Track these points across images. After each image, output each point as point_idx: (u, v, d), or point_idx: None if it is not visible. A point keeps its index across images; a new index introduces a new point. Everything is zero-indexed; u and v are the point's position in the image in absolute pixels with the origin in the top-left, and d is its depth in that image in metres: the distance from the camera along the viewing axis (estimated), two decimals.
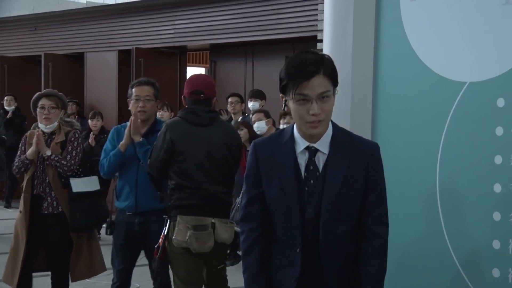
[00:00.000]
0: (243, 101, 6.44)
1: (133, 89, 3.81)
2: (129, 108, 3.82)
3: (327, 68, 2.13)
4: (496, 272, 2.52)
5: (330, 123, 2.22)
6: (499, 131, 2.54)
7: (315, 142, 2.18)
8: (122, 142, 3.58)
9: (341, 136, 2.25)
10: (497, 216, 2.54)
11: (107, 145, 3.80)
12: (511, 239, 2.49)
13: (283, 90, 2.12)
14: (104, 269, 3.98)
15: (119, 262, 3.79)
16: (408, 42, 2.87)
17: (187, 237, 3.29)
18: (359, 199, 2.19)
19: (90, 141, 6.78)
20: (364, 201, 2.19)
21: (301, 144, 2.19)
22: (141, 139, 3.61)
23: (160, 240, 3.37)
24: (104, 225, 4.12)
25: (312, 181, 2.19)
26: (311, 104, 2.07)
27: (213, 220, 3.38)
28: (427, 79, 2.82)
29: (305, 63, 2.10)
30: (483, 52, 2.65)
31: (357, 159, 2.20)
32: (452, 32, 2.80)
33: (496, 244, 2.52)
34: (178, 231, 3.32)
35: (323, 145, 2.20)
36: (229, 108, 6.40)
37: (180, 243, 3.32)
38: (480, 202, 2.64)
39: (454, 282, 2.71)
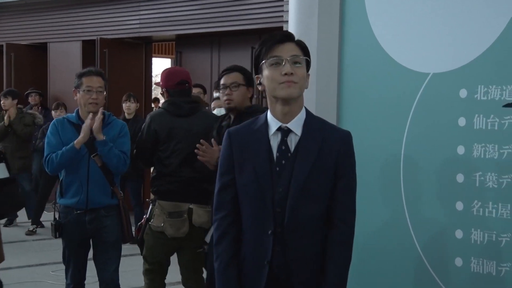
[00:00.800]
0: (205, 92, 6.37)
1: (83, 79, 3.56)
2: (75, 98, 3.60)
3: (300, 41, 2.20)
4: (458, 261, 2.56)
5: (304, 109, 2.24)
6: (462, 121, 2.57)
7: (287, 123, 2.18)
8: (79, 139, 3.37)
9: (314, 122, 2.27)
10: (459, 205, 2.57)
11: (51, 138, 3.53)
12: (474, 228, 2.53)
13: (256, 62, 2.16)
14: (3, 259, 3.72)
15: (74, 265, 3.64)
16: (372, 33, 2.89)
17: (162, 223, 3.45)
18: (328, 185, 2.19)
19: None
20: (332, 188, 2.18)
21: (273, 126, 2.20)
22: (103, 137, 3.49)
23: (142, 221, 3.56)
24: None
25: (283, 161, 2.20)
26: (283, 65, 2.10)
27: (190, 206, 3.49)
28: (392, 70, 2.85)
29: (278, 33, 2.23)
30: (446, 44, 2.69)
31: (329, 145, 2.20)
32: (416, 24, 2.82)
33: (459, 234, 2.56)
34: (155, 216, 3.47)
35: (296, 126, 2.20)
36: None
37: (156, 228, 3.47)
38: (443, 192, 2.67)
39: (417, 271, 2.74)
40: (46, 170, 3.60)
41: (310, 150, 2.19)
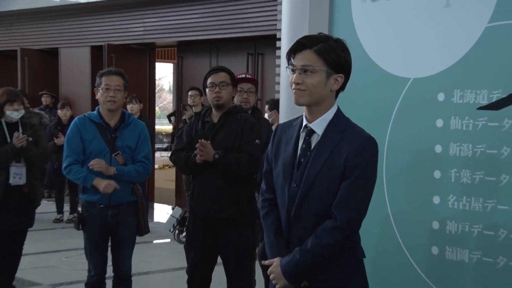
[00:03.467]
0: (202, 94, 6.45)
1: (103, 78, 3.49)
2: (97, 97, 3.50)
3: (322, 47, 2.08)
4: (435, 250, 2.60)
5: (333, 110, 2.18)
6: (439, 123, 2.59)
7: (312, 122, 2.15)
8: (97, 182, 3.25)
9: (339, 122, 2.19)
10: (436, 199, 2.61)
11: (71, 139, 3.42)
12: (449, 220, 2.57)
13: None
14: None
15: (96, 255, 3.55)
16: (358, 41, 2.89)
17: None
18: (334, 186, 2.11)
19: (56, 141, 6.64)
20: (338, 188, 2.10)
21: (303, 123, 2.18)
22: (115, 171, 3.37)
23: None
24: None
25: (302, 159, 2.16)
26: (294, 74, 2.07)
27: None
28: (376, 76, 2.86)
29: (297, 41, 2.11)
30: (426, 51, 2.69)
31: (343, 146, 2.11)
32: (398, 32, 2.84)
33: (436, 225, 2.60)
34: None
35: (318, 126, 2.15)
36: (189, 101, 6.32)
37: None
38: (422, 186, 2.70)
39: (397, 259, 2.80)
40: (66, 176, 3.54)
41: (324, 150, 2.13)
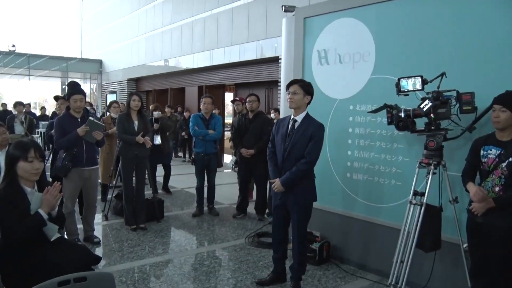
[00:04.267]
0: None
1: (202, 99, 6.24)
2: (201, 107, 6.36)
3: (303, 83, 3.52)
4: (348, 174, 4.31)
5: (306, 112, 3.51)
6: (351, 118, 4.29)
7: (296, 116, 3.51)
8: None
9: (307, 117, 3.52)
10: (349, 152, 4.30)
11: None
12: (354, 161, 4.24)
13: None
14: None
15: (200, 176, 6.12)
16: (315, 81, 4.57)
17: None
18: (305, 145, 3.44)
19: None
20: (307, 146, 3.43)
21: (291, 118, 3.54)
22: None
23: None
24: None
25: (291, 133, 3.53)
26: (288, 95, 3.50)
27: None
28: (323, 97, 4.52)
29: (293, 80, 3.60)
30: (344, 87, 4.33)
31: (309, 128, 3.45)
32: (332, 77, 4.43)
33: (349, 164, 4.30)
34: None
35: (299, 118, 3.51)
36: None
37: None
38: (343, 147, 4.37)
39: (332, 179, 4.40)
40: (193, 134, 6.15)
41: (299, 130, 3.47)
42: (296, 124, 3.55)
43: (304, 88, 3.54)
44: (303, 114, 3.55)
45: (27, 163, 2.66)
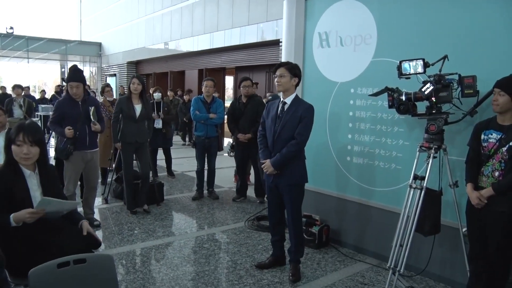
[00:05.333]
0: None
1: (204, 82, 6.20)
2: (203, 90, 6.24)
3: (289, 66, 3.53)
4: (349, 158, 4.33)
5: (295, 94, 3.52)
6: (351, 102, 4.28)
7: (285, 99, 3.54)
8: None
9: (297, 99, 3.55)
10: (349, 136, 4.30)
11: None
12: (354, 145, 4.25)
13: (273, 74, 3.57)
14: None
15: (201, 159, 6.10)
16: (315, 64, 4.62)
17: None
18: (295, 125, 3.45)
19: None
20: (298, 126, 3.43)
21: (281, 100, 3.58)
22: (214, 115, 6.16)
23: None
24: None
25: (280, 115, 3.56)
26: (276, 78, 3.54)
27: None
28: (323, 80, 4.53)
29: (278, 63, 3.60)
30: (345, 70, 4.31)
31: (299, 109, 3.46)
32: (333, 60, 4.38)
33: (349, 147, 4.30)
34: None
35: (288, 101, 3.55)
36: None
37: None
38: (343, 130, 4.35)
39: (333, 167, 4.42)
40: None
41: (289, 111, 3.51)
42: (286, 106, 3.56)
43: (291, 71, 3.54)
44: (292, 96, 3.56)
45: (16, 146, 2.66)
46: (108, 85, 7.35)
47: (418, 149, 3.42)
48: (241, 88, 6.12)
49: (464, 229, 3.18)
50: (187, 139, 12.77)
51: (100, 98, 7.74)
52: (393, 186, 4.01)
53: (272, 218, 3.85)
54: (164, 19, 17.36)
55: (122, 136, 5.36)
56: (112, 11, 22.63)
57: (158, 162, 8.00)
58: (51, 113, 4.93)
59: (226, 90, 17.24)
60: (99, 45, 24.56)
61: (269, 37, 11.89)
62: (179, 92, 13.80)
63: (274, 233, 3.91)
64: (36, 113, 12.66)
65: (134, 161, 5.64)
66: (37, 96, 17.27)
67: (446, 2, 3.57)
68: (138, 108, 5.33)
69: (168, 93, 11.95)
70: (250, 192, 6.62)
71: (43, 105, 13.55)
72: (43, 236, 2.59)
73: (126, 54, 21.04)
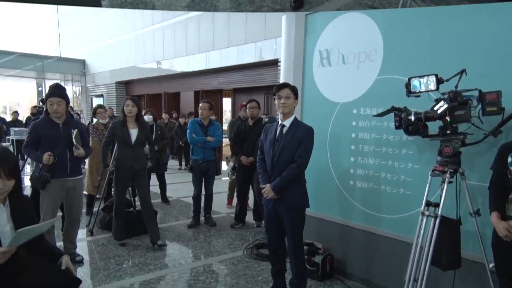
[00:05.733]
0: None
1: (200, 104, 5.99)
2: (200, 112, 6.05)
3: (292, 86, 3.43)
4: (352, 182, 4.07)
5: (293, 116, 3.39)
6: (354, 123, 4.01)
7: (284, 121, 3.41)
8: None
9: (296, 122, 3.45)
10: (352, 159, 4.05)
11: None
12: (358, 168, 3.98)
13: (274, 96, 3.44)
14: None
15: (198, 183, 5.84)
16: (315, 84, 4.38)
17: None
18: (295, 148, 3.35)
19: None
20: (297, 149, 3.32)
21: (279, 122, 3.44)
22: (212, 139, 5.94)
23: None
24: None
25: (279, 139, 3.45)
26: (281, 99, 3.39)
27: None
28: (324, 101, 4.28)
29: (280, 84, 3.51)
30: (346, 90, 4.09)
31: (298, 132, 3.36)
32: (334, 80, 4.16)
33: (352, 170, 4.05)
34: None
35: (287, 123, 3.43)
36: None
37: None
38: (346, 152, 4.10)
39: (334, 190, 4.21)
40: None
41: (288, 134, 3.40)
42: (285, 129, 3.45)
43: (294, 91, 3.45)
44: (291, 119, 3.46)
45: None
46: (101, 106, 6.78)
47: (430, 173, 3.12)
48: (247, 110, 5.98)
49: (491, 265, 2.84)
50: (183, 163, 12.36)
51: (85, 121, 7.29)
52: (403, 213, 3.72)
53: (271, 243, 3.63)
54: (156, 36, 16.37)
55: (117, 160, 4.99)
56: (96, 25, 20.58)
57: (152, 189, 7.66)
58: (25, 136, 4.40)
59: (224, 113, 16.81)
60: (83, 62, 22.17)
61: (267, 56, 11.49)
62: (174, 115, 13.33)
63: (275, 262, 3.67)
64: (7, 137, 11.59)
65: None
66: (8, 118, 15.80)
67: (467, 11, 3.27)
68: (133, 132, 4.95)
69: (163, 115, 11.58)
70: (249, 217, 6.32)
71: (15, 128, 12.24)
72: (11, 279, 2.27)
73: (114, 73, 19.37)
